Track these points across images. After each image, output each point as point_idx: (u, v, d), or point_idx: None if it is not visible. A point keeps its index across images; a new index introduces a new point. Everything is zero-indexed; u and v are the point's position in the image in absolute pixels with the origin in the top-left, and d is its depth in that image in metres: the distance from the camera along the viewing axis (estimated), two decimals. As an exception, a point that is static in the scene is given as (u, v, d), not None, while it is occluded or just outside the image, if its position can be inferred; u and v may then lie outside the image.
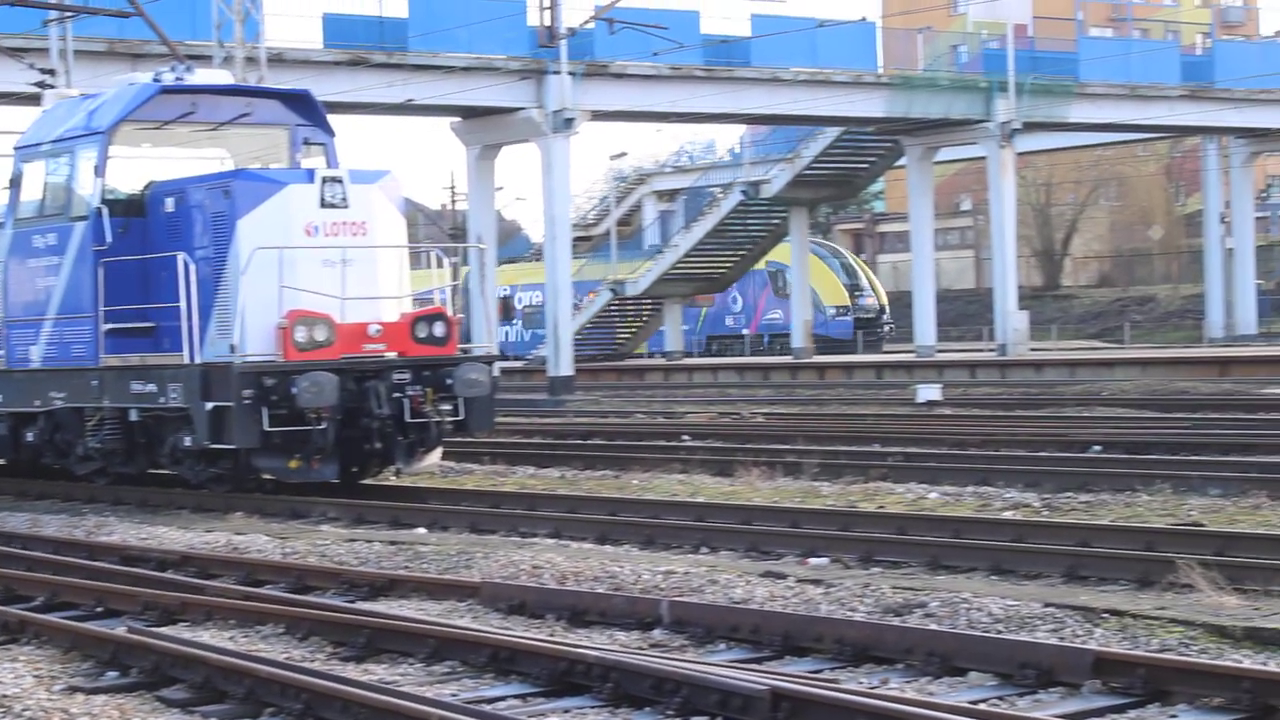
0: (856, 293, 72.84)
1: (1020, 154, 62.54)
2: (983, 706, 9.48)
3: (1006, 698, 9.88)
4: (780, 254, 66.07)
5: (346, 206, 21.48)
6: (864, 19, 55.53)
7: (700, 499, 20.80)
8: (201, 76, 24.30)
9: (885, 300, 74.73)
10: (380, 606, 13.28)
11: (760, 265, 66.73)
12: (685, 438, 29.84)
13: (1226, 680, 9.46)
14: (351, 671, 10.97)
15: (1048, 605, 11.67)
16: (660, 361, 64.95)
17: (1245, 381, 42.17)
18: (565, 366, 49.15)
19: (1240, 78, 58.55)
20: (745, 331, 73.97)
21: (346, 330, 21.30)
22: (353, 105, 46.35)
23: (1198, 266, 73.57)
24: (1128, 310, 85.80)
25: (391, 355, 21.60)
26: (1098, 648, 10.38)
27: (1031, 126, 56.37)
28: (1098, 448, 25.43)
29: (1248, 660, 10.24)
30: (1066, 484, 20.59)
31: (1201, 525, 16.87)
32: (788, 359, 61.47)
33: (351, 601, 13.65)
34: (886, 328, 73.76)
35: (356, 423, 21.18)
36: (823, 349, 65.44)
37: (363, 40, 46.13)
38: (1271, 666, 10.01)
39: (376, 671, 11.07)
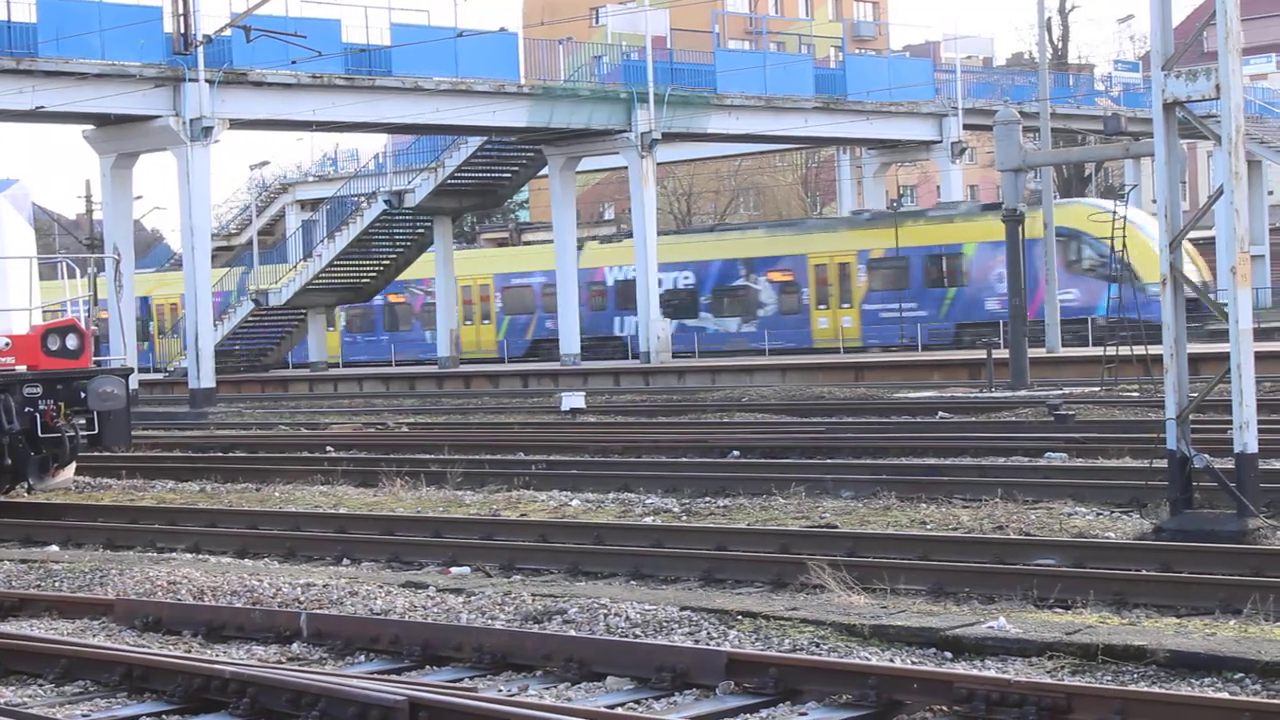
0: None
1: (661, 164, 63.42)
2: (619, 711, 9.60)
3: (643, 701, 10.01)
4: (1068, 217, 53.03)
5: (-28, 216, 20.87)
6: (503, 29, 55.65)
7: (343, 510, 20.70)
8: None
9: (1209, 275, 56.42)
10: (10, 627, 12.92)
11: (1039, 232, 49.24)
12: (329, 449, 29.64)
13: (853, 677, 9.73)
14: (-22, 695, 10.66)
15: (684, 609, 11.86)
16: (305, 372, 64.30)
17: (879, 386, 43.39)
18: (206, 378, 48.40)
19: (871, 90, 60.16)
20: None
21: (-27, 344, 20.68)
22: (-20, 112, 45.00)
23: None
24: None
25: (21, 369, 21.03)
26: (731, 649, 10.58)
27: (671, 137, 57.18)
28: (736, 453, 25.93)
29: (875, 658, 10.53)
30: (706, 489, 20.97)
31: (834, 527, 17.33)
32: (432, 368, 61.27)
33: (-21, 623, 13.27)
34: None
35: (-15, 439, 20.58)
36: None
37: (-10, 45, 44.83)
38: (896, 663, 10.32)
39: (5, 694, 10.77)
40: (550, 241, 60.98)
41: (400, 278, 66.04)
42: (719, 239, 65.16)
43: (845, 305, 60.26)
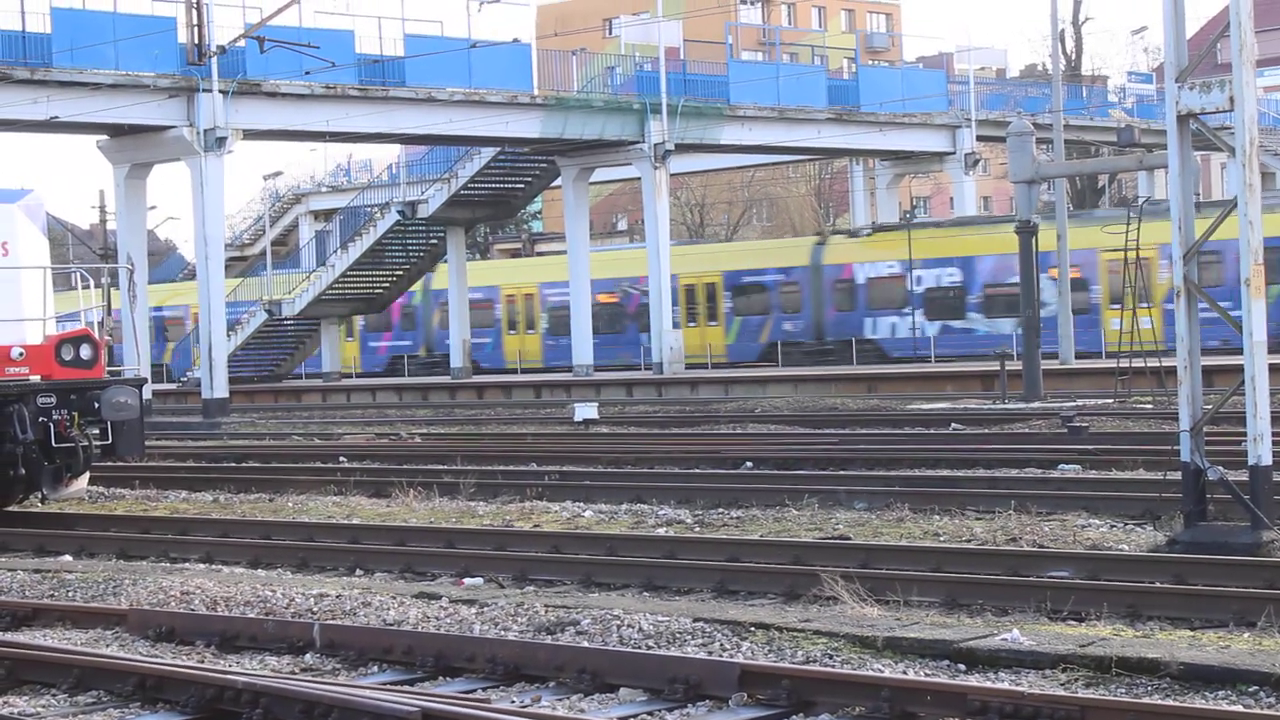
0: None
1: (674, 175, 63.34)
2: (632, 722, 9.60)
3: (655, 713, 10.00)
4: None
5: (-13, 226, 20.88)
6: (516, 40, 55.71)
7: (356, 521, 20.70)
8: None
9: None
10: (23, 636, 12.93)
11: None
12: (342, 459, 29.65)
13: (867, 689, 9.72)
14: (-9, 705, 10.68)
15: (697, 620, 11.84)
16: (318, 383, 64.27)
17: (892, 397, 43.34)
18: (220, 388, 48.46)
19: (884, 101, 60.15)
20: None
21: (-12, 354, 20.70)
22: (-6, 122, 45.13)
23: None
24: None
25: (35, 379, 21.04)
26: (744, 661, 10.56)
27: (684, 148, 57.17)
28: (749, 464, 25.90)
29: (888, 670, 10.51)
30: (719, 500, 20.95)
31: (848, 538, 17.30)
32: (445, 379, 61.25)
33: (-8, 632, 13.28)
34: None
35: (-1, 448, 20.60)
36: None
37: (4, 56, 44.90)
38: (910, 675, 10.30)
39: (18, 704, 10.77)
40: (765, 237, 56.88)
41: (612, 275, 63.10)
42: (990, 232, 58.11)
43: (1144, 305, 49.23)
